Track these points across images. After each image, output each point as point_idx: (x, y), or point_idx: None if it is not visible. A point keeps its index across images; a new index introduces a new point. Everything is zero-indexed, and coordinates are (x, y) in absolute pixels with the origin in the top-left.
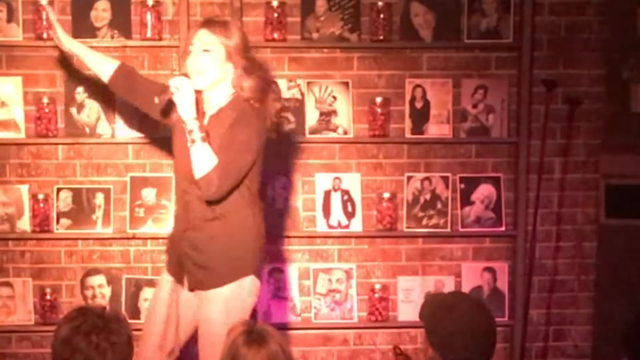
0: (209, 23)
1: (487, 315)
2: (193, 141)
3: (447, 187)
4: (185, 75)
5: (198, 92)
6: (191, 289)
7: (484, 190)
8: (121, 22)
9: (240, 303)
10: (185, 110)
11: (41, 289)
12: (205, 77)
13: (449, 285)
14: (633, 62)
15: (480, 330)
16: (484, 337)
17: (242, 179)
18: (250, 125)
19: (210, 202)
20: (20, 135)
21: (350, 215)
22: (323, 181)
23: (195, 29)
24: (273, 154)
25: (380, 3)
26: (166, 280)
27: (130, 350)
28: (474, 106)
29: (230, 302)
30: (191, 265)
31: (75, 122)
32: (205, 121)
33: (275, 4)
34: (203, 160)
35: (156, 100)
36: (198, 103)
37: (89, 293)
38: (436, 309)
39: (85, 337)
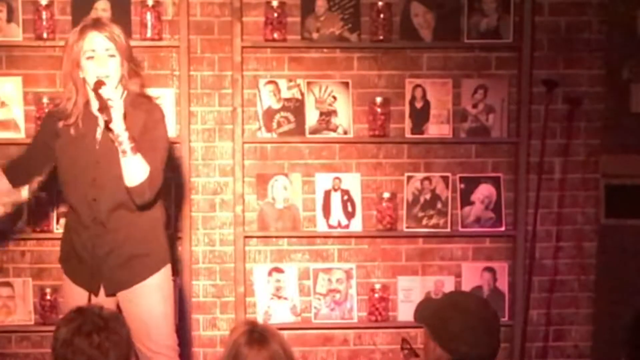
0: (100, 26)
1: (493, 312)
2: (124, 152)
3: (447, 187)
4: (100, 83)
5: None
6: (111, 293)
7: (484, 190)
8: (121, 22)
9: (168, 290)
10: (118, 122)
11: (41, 289)
12: (112, 81)
13: (449, 285)
14: (633, 62)
15: (489, 326)
16: (492, 333)
17: None
18: (160, 118)
19: (140, 207)
20: (20, 135)
21: (350, 215)
22: (323, 181)
23: (84, 32)
24: (273, 154)
25: (380, 3)
26: (77, 292)
27: (131, 348)
28: (474, 106)
29: (163, 290)
30: (109, 268)
31: None
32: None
33: (275, 4)
34: (136, 170)
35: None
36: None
37: None
38: (441, 308)
39: (87, 337)
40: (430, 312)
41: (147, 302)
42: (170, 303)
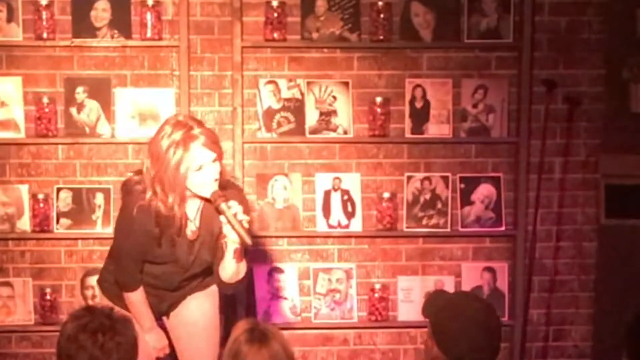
0: (201, 139)
1: (496, 318)
2: (233, 256)
3: (447, 187)
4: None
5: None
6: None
7: (484, 190)
8: (121, 22)
9: None
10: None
11: (41, 289)
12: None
13: (449, 285)
14: (633, 62)
15: (489, 331)
16: (491, 339)
17: None
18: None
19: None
20: (20, 135)
21: (350, 215)
22: (323, 181)
23: (192, 144)
24: (273, 154)
25: (380, 3)
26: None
27: (135, 353)
28: (474, 106)
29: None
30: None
31: (75, 122)
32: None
33: (275, 4)
34: (237, 272)
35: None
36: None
37: (89, 293)
38: (446, 307)
39: (92, 335)
40: (435, 308)
41: (200, 306)
42: None
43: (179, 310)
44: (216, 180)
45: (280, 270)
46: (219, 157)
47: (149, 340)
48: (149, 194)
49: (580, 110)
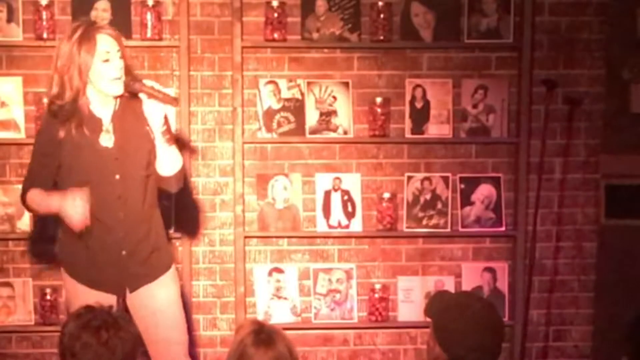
0: (103, 28)
1: (498, 317)
2: (162, 144)
3: (447, 187)
4: (136, 80)
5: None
6: (122, 291)
7: (484, 190)
8: (121, 22)
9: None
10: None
11: (41, 289)
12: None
13: (449, 285)
14: (633, 62)
15: (490, 331)
16: (492, 339)
17: None
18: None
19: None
20: (20, 135)
21: (350, 215)
22: (323, 181)
23: (90, 33)
24: (273, 154)
25: (380, 3)
26: (98, 298)
27: (137, 348)
28: (474, 106)
29: (177, 283)
30: (132, 267)
31: None
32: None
33: (275, 4)
34: (173, 160)
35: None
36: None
37: None
38: (448, 306)
39: (95, 332)
40: (438, 308)
41: (167, 294)
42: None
43: (142, 297)
44: (121, 77)
45: (281, 271)
46: (124, 55)
47: (68, 209)
48: (54, 92)
49: (580, 110)
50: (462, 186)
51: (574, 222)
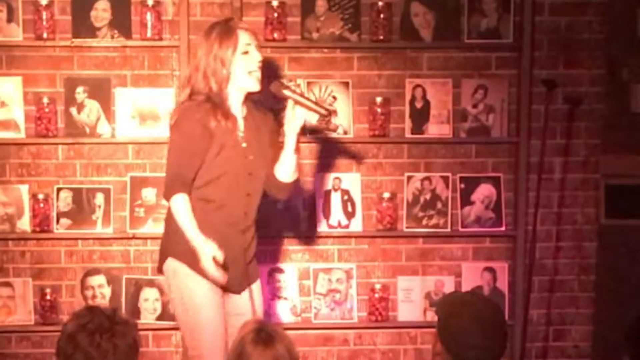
0: (241, 23)
1: (500, 318)
2: (292, 149)
3: (447, 187)
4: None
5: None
6: (243, 289)
7: (484, 190)
8: (121, 22)
9: None
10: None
11: (41, 289)
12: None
13: (449, 285)
14: (633, 62)
15: (491, 331)
16: (493, 339)
17: None
18: None
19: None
20: (20, 135)
21: (350, 215)
22: (323, 181)
23: (232, 28)
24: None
25: (380, 3)
26: (214, 294)
27: (134, 356)
28: (474, 106)
29: None
30: (244, 265)
31: (75, 122)
32: (242, 124)
33: (275, 4)
34: (294, 168)
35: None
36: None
37: (89, 293)
38: (451, 303)
39: (89, 335)
40: (444, 305)
41: (259, 297)
42: None
43: (245, 298)
44: (259, 71)
45: (281, 271)
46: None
47: (203, 254)
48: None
49: (580, 110)
50: (462, 186)
51: (574, 222)
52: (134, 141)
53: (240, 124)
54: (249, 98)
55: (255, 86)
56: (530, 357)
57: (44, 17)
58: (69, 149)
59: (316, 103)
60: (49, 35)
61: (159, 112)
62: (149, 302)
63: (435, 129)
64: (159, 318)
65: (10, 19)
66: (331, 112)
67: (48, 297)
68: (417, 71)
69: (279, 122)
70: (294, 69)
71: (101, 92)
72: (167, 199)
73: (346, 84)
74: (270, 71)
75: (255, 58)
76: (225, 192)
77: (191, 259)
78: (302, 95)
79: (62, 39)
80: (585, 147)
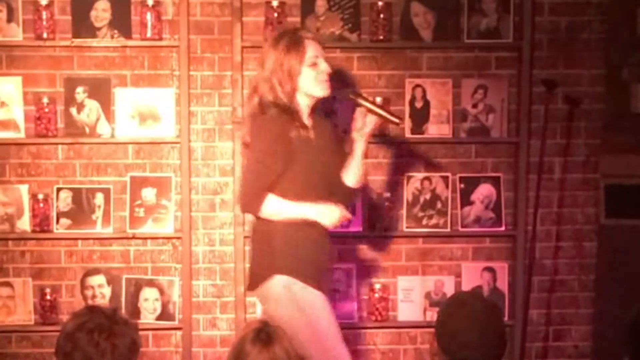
0: (310, 33)
1: (497, 319)
2: (362, 154)
3: (447, 187)
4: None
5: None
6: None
7: (484, 190)
8: (121, 22)
9: None
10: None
11: (41, 289)
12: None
13: (449, 285)
14: (633, 62)
15: (487, 332)
16: (487, 339)
17: None
18: None
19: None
20: (20, 135)
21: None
22: None
23: (306, 42)
24: None
25: (380, 3)
26: (325, 301)
27: (133, 356)
28: (474, 106)
29: None
30: (328, 270)
31: (75, 122)
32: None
33: (275, 4)
34: (361, 172)
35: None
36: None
37: (89, 293)
38: (449, 303)
39: (88, 334)
40: (443, 305)
41: None
42: None
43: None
44: (327, 79)
45: None
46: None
47: (323, 217)
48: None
49: (580, 110)
50: (462, 186)
51: (573, 221)
52: (134, 141)
53: (311, 132)
54: (316, 106)
55: (324, 92)
56: (530, 357)
57: (44, 17)
58: (69, 149)
59: (387, 111)
60: (49, 35)
61: (158, 112)
62: (149, 302)
63: (435, 129)
64: (159, 318)
65: (10, 19)
66: (401, 119)
67: (48, 297)
68: (417, 71)
69: (343, 129)
70: None
71: (101, 92)
72: (253, 213)
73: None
74: (339, 78)
75: (323, 70)
76: (312, 201)
77: (302, 272)
78: (373, 103)
79: (62, 39)
80: (585, 147)
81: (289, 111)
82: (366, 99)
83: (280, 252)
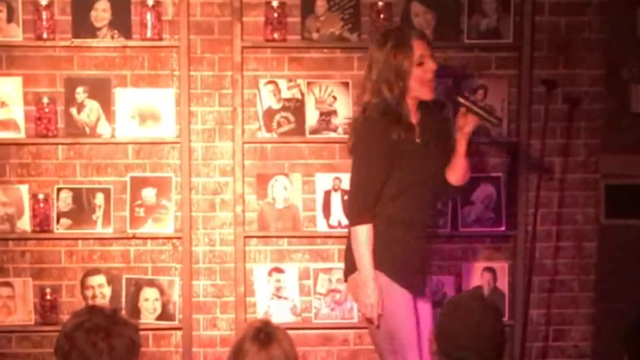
0: (415, 34)
1: (494, 321)
2: (465, 153)
3: None
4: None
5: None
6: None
7: (484, 190)
8: (121, 22)
9: None
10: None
11: (41, 289)
12: None
13: (448, 285)
14: (633, 62)
15: (483, 333)
16: (485, 341)
17: None
18: None
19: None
20: (20, 135)
21: None
22: (323, 181)
23: (413, 40)
24: (273, 154)
25: (380, 3)
26: (402, 293)
27: (131, 356)
28: None
29: None
30: (418, 271)
31: (75, 122)
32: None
33: (275, 4)
34: (466, 170)
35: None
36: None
37: (89, 293)
38: (447, 304)
39: (86, 334)
40: (443, 305)
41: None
42: None
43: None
44: (433, 79)
45: (281, 271)
46: (434, 58)
47: (367, 296)
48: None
49: (580, 110)
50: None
51: (573, 221)
52: (134, 141)
53: (417, 131)
54: (423, 103)
55: (429, 95)
56: (530, 357)
57: (44, 17)
58: (69, 149)
59: (488, 112)
60: (49, 35)
61: (159, 112)
62: (149, 302)
63: None
64: (159, 318)
65: (10, 19)
66: (500, 120)
67: (48, 297)
68: None
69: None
70: (294, 69)
71: (101, 92)
72: (353, 224)
73: (346, 84)
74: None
75: (429, 68)
76: (412, 204)
77: (390, 268)
78: (473, 102)
79: (62, 39)
80: (585, 147)
81: (394, 113)
82: (466, 98)
83: (373, 247)
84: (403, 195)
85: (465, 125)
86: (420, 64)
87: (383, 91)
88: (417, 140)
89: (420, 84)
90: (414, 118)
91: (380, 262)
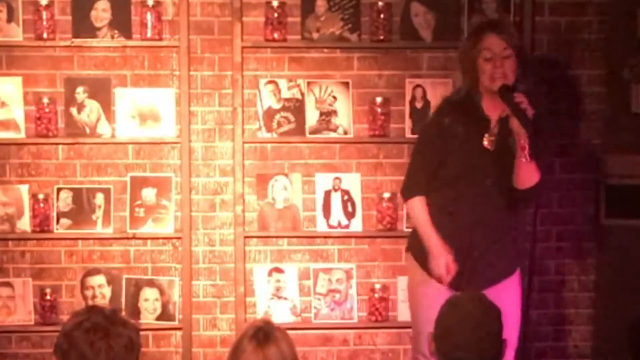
0: (496, 27)
1: (490, 320)
2: (525, 157)
3: None
4: (506, 87)
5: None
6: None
7: None
8: (121, 22)
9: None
10: (526, 126)
11: (41, 289)
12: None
13: None
14: (633, 62)
15: (480, 333)
16: (480, 341)
17: None
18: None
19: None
20: (20, 135)
21: (350, 215)
22: (323, 181)
23: (485, 35)
24: (273, 154)
25: (380, 3)
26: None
27: (130, 357)
28: None
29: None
30: (480, 267)
31: (75, 122)
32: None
33: (275, 4)
34: (532, 175)
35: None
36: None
37: (89, 293)
38: (446, 304)
39: (84, 333)
40: (442, 305)
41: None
42: None
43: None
44: (505, 77)
45: (280, 271)
46: (516, 54)
47: (434, 257)
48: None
49: (580, 110)
50: None
51: (573, 221)
52: (134, 141)
53: (493, 126)
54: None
55: (492, 90)
56: (530, 357)
57: (44, 17)
58: (69, 149)
59: (520, 115)
60: (49, 35)
61: (159, 112)
62: (149, 302)
63: None
64: (159, 318)
65: (10, 19)
66: (529, 128)
67: (48, 297)
68: (417, 71)
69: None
70: (294, 69)
71: (101, 92)
72: (404, 199)
73: (346, 84)
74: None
75: (496, 65)
76: (462, 197)
77: (422, 255)
78: (513, 104)
79: (62, 39)
80: (585, 147)
81: (461, 104)
82: (508, 99)
83: (413, 233)
84: (454, 186)
85: (512, 126)
86: (488, 59)
87: (463, 77)
88: (488, 135)
89: (487, 79)
90: (493, 112)
91: (415, 249)
